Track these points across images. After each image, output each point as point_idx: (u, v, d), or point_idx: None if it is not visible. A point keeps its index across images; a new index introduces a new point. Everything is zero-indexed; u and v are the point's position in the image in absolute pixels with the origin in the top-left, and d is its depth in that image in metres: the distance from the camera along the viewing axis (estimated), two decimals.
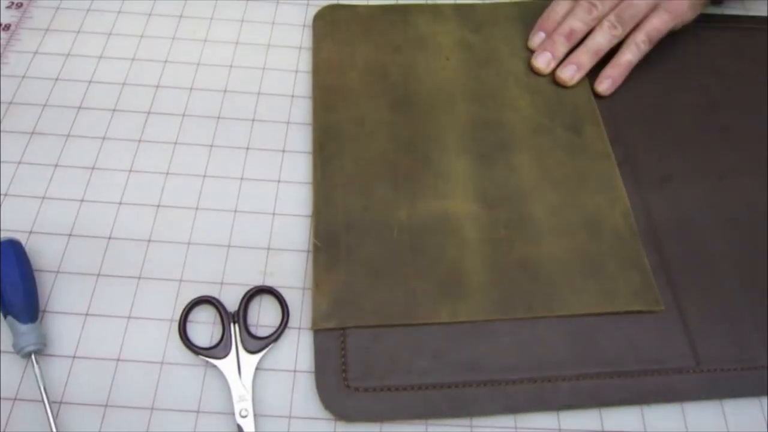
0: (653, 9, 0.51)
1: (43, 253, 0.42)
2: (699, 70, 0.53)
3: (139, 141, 0.47)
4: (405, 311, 0.40)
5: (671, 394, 0.39)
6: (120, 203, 0.44)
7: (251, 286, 0.41)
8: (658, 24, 0.51)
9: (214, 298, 0.40)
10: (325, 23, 0.54)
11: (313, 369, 0.39)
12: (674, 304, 0.42)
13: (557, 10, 0.53)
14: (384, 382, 0.38)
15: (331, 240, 0.43)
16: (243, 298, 0.40)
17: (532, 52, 0.53)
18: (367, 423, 0.37)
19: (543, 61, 0.52)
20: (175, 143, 0.47)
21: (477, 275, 0.42)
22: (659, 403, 0.39)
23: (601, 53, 0.51)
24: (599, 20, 0.51)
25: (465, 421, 0.38)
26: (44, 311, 0.40)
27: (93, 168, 0.46)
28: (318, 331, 0.40)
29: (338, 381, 0.38)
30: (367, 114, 0.49)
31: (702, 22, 0.55)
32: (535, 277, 0.42)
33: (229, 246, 0.43)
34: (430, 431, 0.38)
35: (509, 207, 0.45)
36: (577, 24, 0.52)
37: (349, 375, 0.38)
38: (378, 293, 0.41)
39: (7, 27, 0.53)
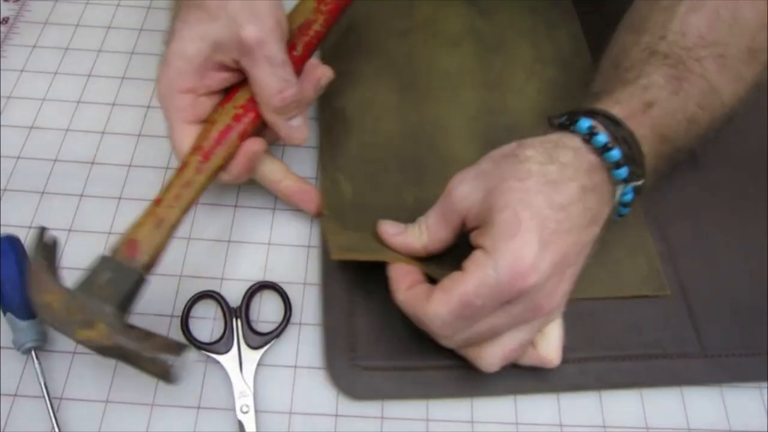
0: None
1: None
2: None
3: (139, 135, 0.47)
4: None
5: (675, 379, 0.39)
6: (120, 198, 0.44)
7: (251, 282, 0.40)
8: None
9: (216, 293, 0.40)
10: None
11: (315, 365, 0.39)
12: (679, 289, 0.42)
13: None
14: (392, 362, 0.38)
15: (339, 222, 0.42)
16: (246, 293, 0.40)
17: (538, 40, 0.52)
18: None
19: None
20: None
21: None
22: (663, 387, 0.39)
23: None
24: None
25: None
26: None
27: (92, 163, 0.45)
28: (327, 309, 0.39)
29: (347, 360, 0.38)
30: (373, 99, 0.48)
31: None
32: None
33: (229, 241, 0.43)
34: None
35: None
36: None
37: (357, 354, 0.38)
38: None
39: (6, 20, 0.53)
